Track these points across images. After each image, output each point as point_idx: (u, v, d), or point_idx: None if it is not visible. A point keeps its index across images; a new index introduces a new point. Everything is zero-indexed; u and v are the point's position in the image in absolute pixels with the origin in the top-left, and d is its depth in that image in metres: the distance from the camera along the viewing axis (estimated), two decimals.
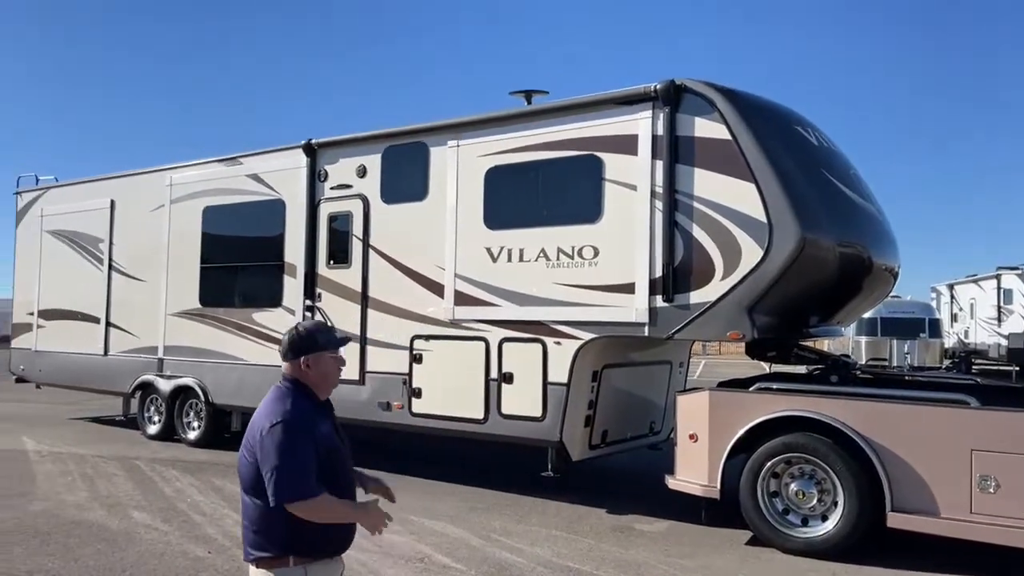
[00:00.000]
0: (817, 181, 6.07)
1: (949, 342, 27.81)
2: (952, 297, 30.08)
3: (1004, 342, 23.71)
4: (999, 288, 25.42)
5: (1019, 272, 24.16)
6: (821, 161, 6.27)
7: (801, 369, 7.15)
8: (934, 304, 30.45)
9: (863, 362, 22.03)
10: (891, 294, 26.54)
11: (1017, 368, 7.33)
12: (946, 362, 25.68)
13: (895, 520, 5.31)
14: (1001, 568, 5.29)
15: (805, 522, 5.70)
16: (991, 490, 5.07)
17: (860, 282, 6.46)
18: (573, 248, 6.69)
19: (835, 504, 5.54)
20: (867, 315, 22.88)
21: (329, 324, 2.49)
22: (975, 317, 27.32)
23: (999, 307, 25.29)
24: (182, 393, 9.75)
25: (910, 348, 22.21)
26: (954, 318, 29.72)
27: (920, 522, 5.26)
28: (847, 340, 24.28)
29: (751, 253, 5.82)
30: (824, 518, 5.61)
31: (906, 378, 7.73)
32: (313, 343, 2.65)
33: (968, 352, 26.57)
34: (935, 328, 23.06)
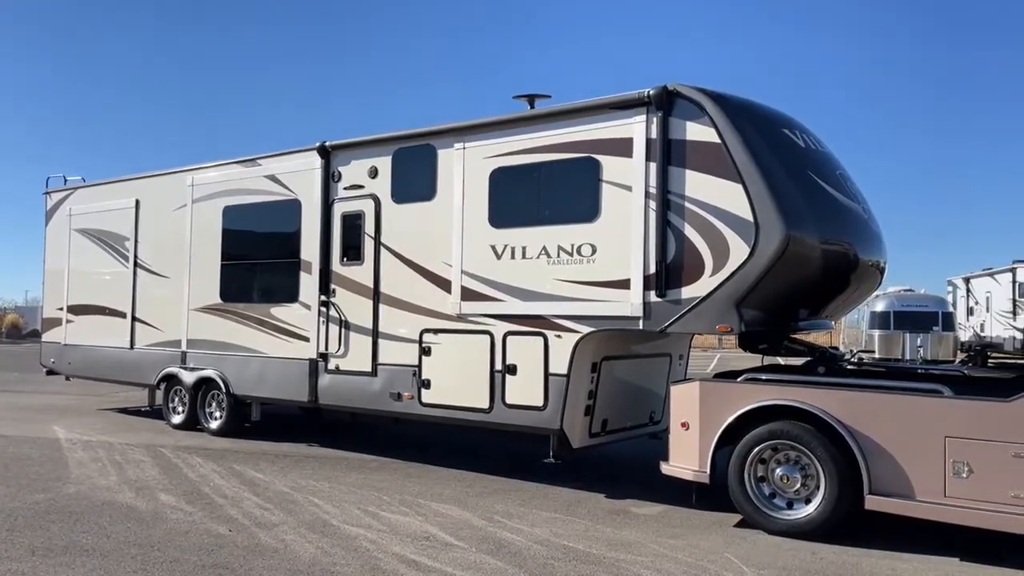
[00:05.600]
0: (802, 182, 6.36)
1: (965, 335, 27.80)
2: (968, 291, 30.00)
3: (1019, 335, 23.77)
4: (1015, 281, 25.38)
5: None
6: (807, 162, 6.56)
7: (798, 361, 7.44)
8: (950, 298, 30.41)
9: (877, 355, 22.22)
10: (905, 288, 26.27)
11: None
12: (961, 355, 25.75)
13: (873, 503, 5.61)
14: (970, 549, 5.58)
15: (790, 505, 6.01)
16: (964, 475, 5.36)
17: (846, 277, 6.74)
18: (572, 246, 7.03)
19: (818, 488, 5.85)
20: (880, 308, 23.06)
21: None
22: (991, 310, 27.26)
23: (1014, 300, 25.26)
24: (204, 384, 10.21)
25: (923, 341, 22.30)
26: (970, 311, 29.65)
27: (897, 505, 5.56)
28: (860, 333, 24.42)
29: (739, 251, 6.14)
30: (808, 501, 5.92)
31: (889, 369, 7.98)
32: None
33: (984, 346, 26.59)
34: (948, 321, 23.11)
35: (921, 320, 22.66)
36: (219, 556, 5.28)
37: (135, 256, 11.24)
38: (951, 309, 25.59)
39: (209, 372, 10.08)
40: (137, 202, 11.29)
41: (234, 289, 9.98)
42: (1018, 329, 24.07)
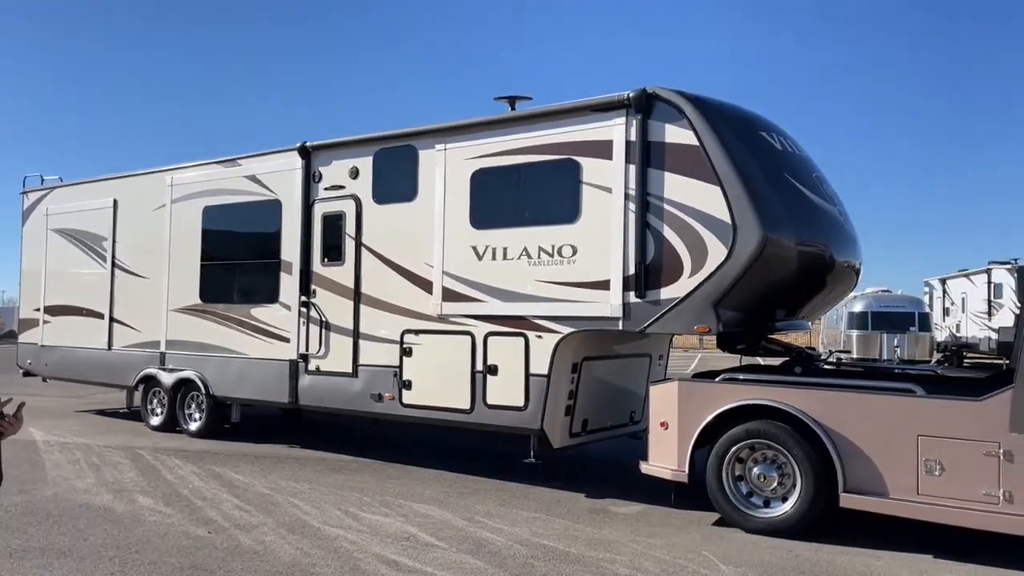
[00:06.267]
0: (779, 184, 6.44)
1: (941, 336, 28.17)
2: (944, 291, 30.38)
3: (994, 336, 24.13)
4: (990, 282, 25.75)
5: (1009, 267, 24.45)
6: (784, 165, 6.64)
7: (777, 362, 7.53)
8: (926, 298, 30.79)
9: (855, 355, 22.46)
10: (882, 289, 26.55)
11: (1006, 361, 7.61)
12: (937, 355, 26.10)
13: (847, 501, 5.70)
14: (943, 546, 5.68)
15: (767, 503, 6.09)
16: (936, 473, 5.46)
17: (822, 279, 6.84)
18: (553, 247, 7.07)
19: (794, 487, 5.93)
20: (858, 309, 23.33)
21: None
22: (967, 311, 27.63)
23: (989, 301, 25.62)
24: (183, 386, 10.15)
25: (900, 342, 22.57)
26: (946, 312, 30.04)
27: (871, 503, 5.65)
28: (839, 334, 24.68)
29: (716, 252, 6.21)
30: (784, 500, 6.00)
31: (864, 369, 8.10)
32: None
33: (959, 346, 27.00)
34: (924, 322, 23.41)
35: (898, 320, 22.95)
36: (198, 558, 5.26)
37: (113, 256, 11.15)
38: (927, 310, 25.91)
39: (188, 373, 10.02)
40: (115, 202, 11.20)
41: (214, 290, 9.92)
42: (993, 329, 24.40)
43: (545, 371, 7.06)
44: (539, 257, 7.14)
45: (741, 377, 6.44)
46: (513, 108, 7.80)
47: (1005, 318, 23.25)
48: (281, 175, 9.22)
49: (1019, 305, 6.07)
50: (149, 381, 10.58)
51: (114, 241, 11.17)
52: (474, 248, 7.56)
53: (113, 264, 11.14)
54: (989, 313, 25.49)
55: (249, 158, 9.64)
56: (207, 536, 5.75)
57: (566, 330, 6.98)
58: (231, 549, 5.45)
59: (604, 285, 6.76)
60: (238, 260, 9.85)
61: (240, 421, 10.04)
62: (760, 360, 8.17)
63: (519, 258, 7.26)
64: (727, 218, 6.16)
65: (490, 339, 7.41)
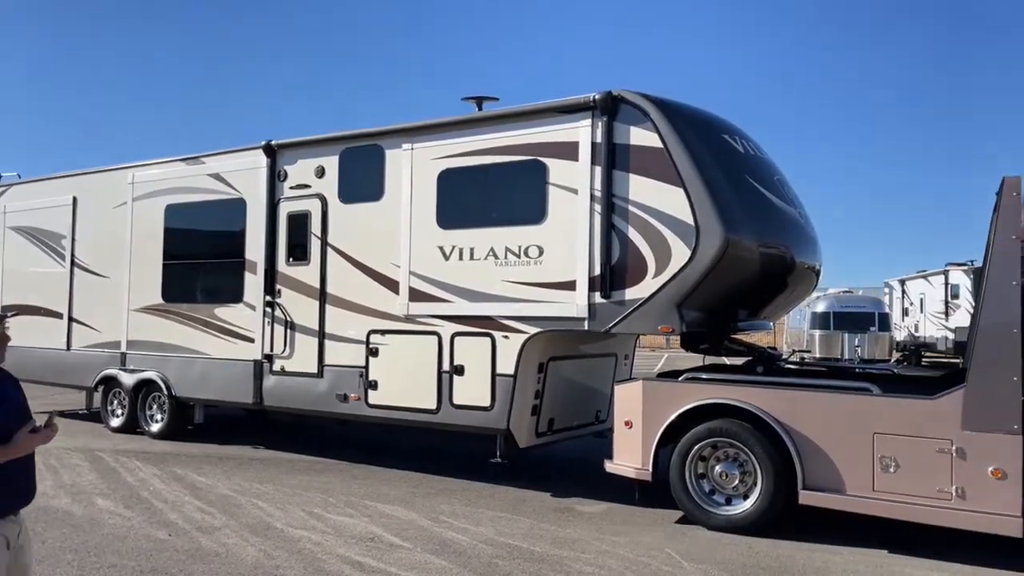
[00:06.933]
0: (741, 187, 6.54)
1: (900, 335, 28.78)
2: (903, 292, 31.03)
3: (951, 335, 24.71)
4: (947, 283, 26.34)
5: (966, 268, 25.05)
6: (746, 168, 6.75)
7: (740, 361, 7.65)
8: (886, 299, 31.44)
9: (817, 355, 22.87)
10: (844, 290, 27.06)
11: (962, 360, 7.80)
12: (896, 355, 26.66)
13: (806, 498, 5.81)
14: (899, 541, 5.82)
15: (729, 501, 6.18)
16: (891, 470, 5.59)
17: (783, 280, 6.96)
18: (520, 247, 7.09)
19: (755, 484, 6.03)
20: (820, 309, 23.74)
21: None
22: (925, 311, 28.24)
23: (947, 302, 26.22)
24: (145, 387, 9.99)
25: (860, 341, 23.02)
26: (905, 312, 30.69)
27: (828, 499, 5.76)
28: (802, 333, 25.10)
29: (680, 253, 6.29)
30: (745, 497, 6.09)
31: (824, 369, 8.26)
32: None
33: (918, 345, 27.58)
34: (884, 322, 23.91)
35: (859, 320, 23.39)
36: (158, 561, 5.19)
37: (72, 255, 10.93)
38: (887, 310, 26.46)
39: (150, 374, 9.86)
40: (75, 199, 10.98)
41: (176, 289, 9.78)
42: (950, 329, 24.99)
43: (511, 371, 7.09)
44: (506, 257, 7.16)
45: (704, 376, 6.53)
46: (480, 108, 7.82)
47: (962, 318, 23.79)
48: (246, 173, 9.12)
49: (975, 306, 6.25)
50: (109, 382, 10.40)
51: (73, 239, 10.95)
52: (441, 248, 7.56)
53: (72, 263, 10.92)
54: (946, 313, 26.07)
55: (213, 156, 9.52)
56: (168, 539, 5.67)
57: (532, 330, 7.01)
58: (192, 552, 5.38)
59: (570, 286, 6.81)
60: (201, 259, 9.72)
61: (203, 422, 9.91)
62: (725, 360, 8.29)
63: (486, 258, 7.28)
64: (690, 220, 6.24)
65: (457, 339, 7.42)
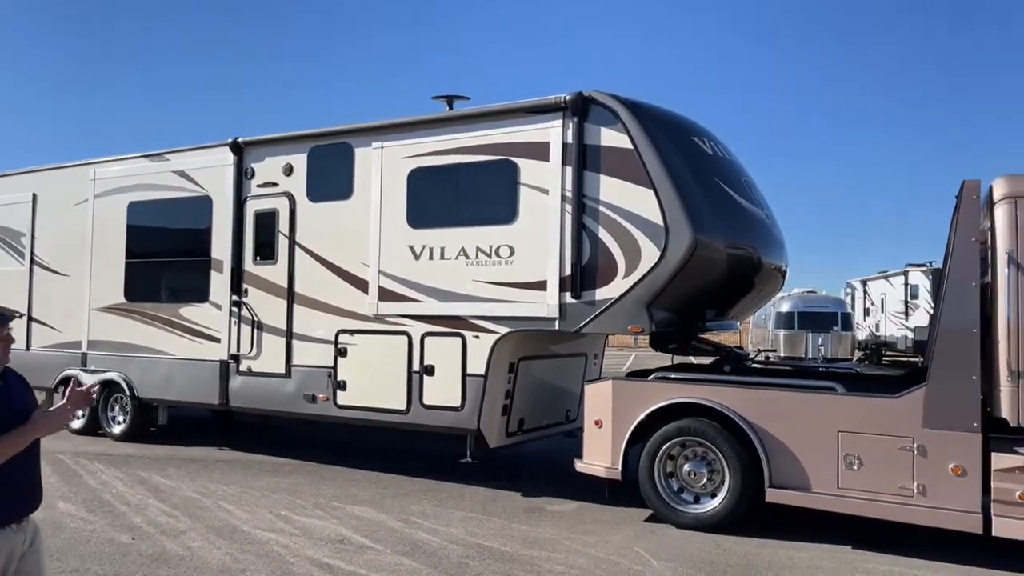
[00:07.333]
0: (710, 188, 6.61)
1: (862, 335, 29.34)
2: (865, 292, 31.63)
3: (911, 335, 25.26)
4: (907, 284, 26.91)
5: (925, 269, 25.61)
6: (715, 169, 6.82)
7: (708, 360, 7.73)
8: (848, 299, 32.02)
9: (781, 354, 23.21)
10: (808, 290, 27.46)
11: (922, 359, 7.93)
12: (858, 354, 27.17)
13: (773, 495, 5.90)
14: (863, 538, 5.94)
15: (697, 499, 6.25)
16: (855, 467, 5.69)
17: (750, 280, 7.05)
18: (491, 247, 7.09)
19: (723, 483, 6.10)
20: (784, 309, 24.10)
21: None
22: (885, 311, 28.82)
23: (906, 302, 26.80)
24: (107, 388, 9.78)
25: (824, 341, 23.43)
26: (867, 312, 31.29)
27: (794, 497, 5.85)
28: (767, 333, 25.46)
29: (650, 254, 6.34)
30: (713, 495, 6.16)
31: (790, 368, 8.39)
32: None
33: (879, 344, 28.12)
34: (847, 321, 24.35)
35: (822, 320, 23.79)
36: (121, 565, 5.09)
37: (32, 253, 10.66)
38: (850, 310, 26.93)
39: (112, 375, 9.66)
40: (34, 196, 10.71)
41: (140, 288, 9.59)
42: (910, 329, 25.54)
43: (482, 371, 7.08)
44: (476, 257, 7.15)
45: (673, 376, 6.59)
46: (451, 108, 7.79)
47: (921, 318, 24.33)
48: (212, 171, 8.98)
49: (934, 306, 6.39)
50: (69, 383, 10.14)
51: (33, 237, 10.68)
52: (411, 248, 7.52)
53: (32, 261, 10.65)
54: (906, 313, 26.63)
55: (178, 152, 9.36)
56: (131, 543, 5.56)
57: (503, 330, 7.01)
58: (157, 556, 5.29)
59: (541, 286, 6.82)
60: (166, 258, 9.55)
61: (167, 423, 9.74)
62: (692, 359, 8.37)
63: (456, 258, 7.26)
64: (659, 221, 6.29)
65: (427, 339, 7.39)
